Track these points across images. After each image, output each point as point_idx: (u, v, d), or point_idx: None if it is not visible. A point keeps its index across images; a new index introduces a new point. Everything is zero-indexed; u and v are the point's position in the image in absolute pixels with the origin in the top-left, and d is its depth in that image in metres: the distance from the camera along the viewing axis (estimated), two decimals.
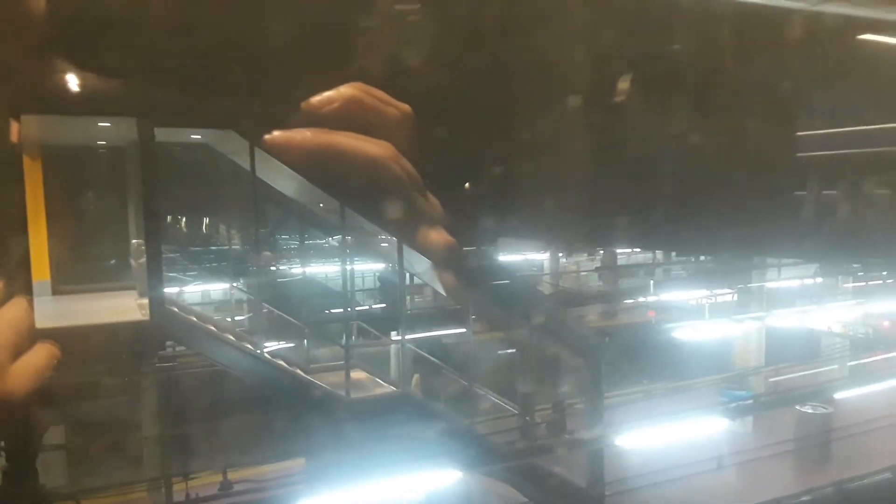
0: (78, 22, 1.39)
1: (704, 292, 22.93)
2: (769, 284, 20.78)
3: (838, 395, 18.24)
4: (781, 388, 19.45)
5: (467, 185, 2.94)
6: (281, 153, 1.53)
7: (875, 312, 22.01)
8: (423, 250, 1.82)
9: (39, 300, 1.66)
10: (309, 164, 1.55)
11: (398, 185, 1.51)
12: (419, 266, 2.30)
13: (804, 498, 14.97)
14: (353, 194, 1.68)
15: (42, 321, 1.61)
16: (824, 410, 17.33)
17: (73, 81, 1.48)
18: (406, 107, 1.55)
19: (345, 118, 1.49)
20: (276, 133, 1.52)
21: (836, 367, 22.10)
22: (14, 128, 1.40)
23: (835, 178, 5.55)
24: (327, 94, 1.47)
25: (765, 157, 4.74)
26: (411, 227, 1.66)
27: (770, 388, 19.67)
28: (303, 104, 1.48)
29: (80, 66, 1.47)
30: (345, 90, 1.49)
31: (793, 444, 16.90)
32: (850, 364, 22.12)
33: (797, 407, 17.43)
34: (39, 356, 1.48)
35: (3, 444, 1.49)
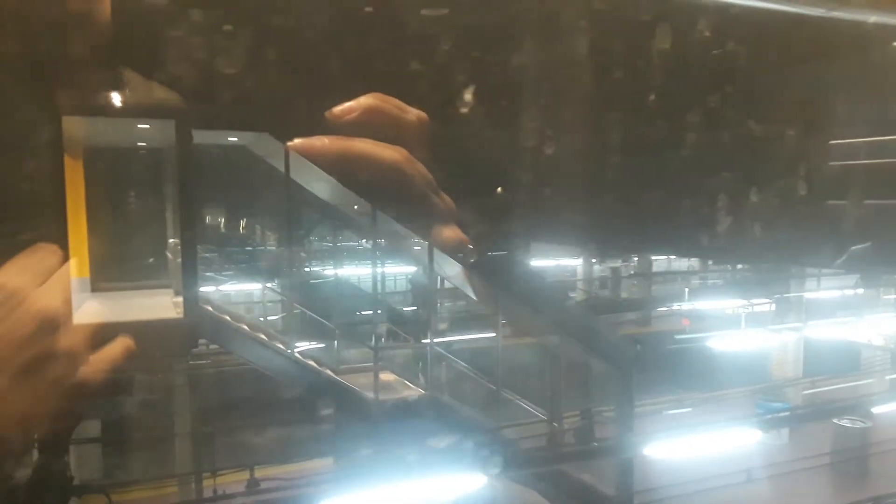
0: (124, 26, 1.43)
1: (741, 301, 22.53)
2: (808, 295, 20.36)
3: (876, 409, 17.79)
4: (818, 401, 19.03)
5: (500, 189, 2.94)
6: (305, 158, 1.62)
7: None
8: (438, 248, 1.91)
9: (78, 296, 1.70)
10: (329, 169, 1.63)
11: (411, 188, 1.60)
12: (450, 269, 2.30)
13: None
14: (374, 197, 1.73)
15: (80, 317, 1.65)
16: (862, 424, 16.90)
17: (114, 84, 1.51)
18: (422, 114, 1.63)
19: (364, 126, 1.58)
20: (298, 140, 1.61)
21: (875, 380, 21.54)
22: (57, 129, 1.44)
23: (876, 188, 5.43)
24: (348, 104, 1.56)
25: (804, 166, 4.66)
26: (425, 228, 1.76)
27: (806, 400, 19.25)
28: (326, 114, 1.56)
29: (122, 69, 1.51)
30: (364, 100, 1.58)
31: (829, 458, 16.51)
32: (889, 378, 21.55)
33: (834, 420, 17.03)
34: (117, 349, 1.54)
35: (36, 437, 1.53)
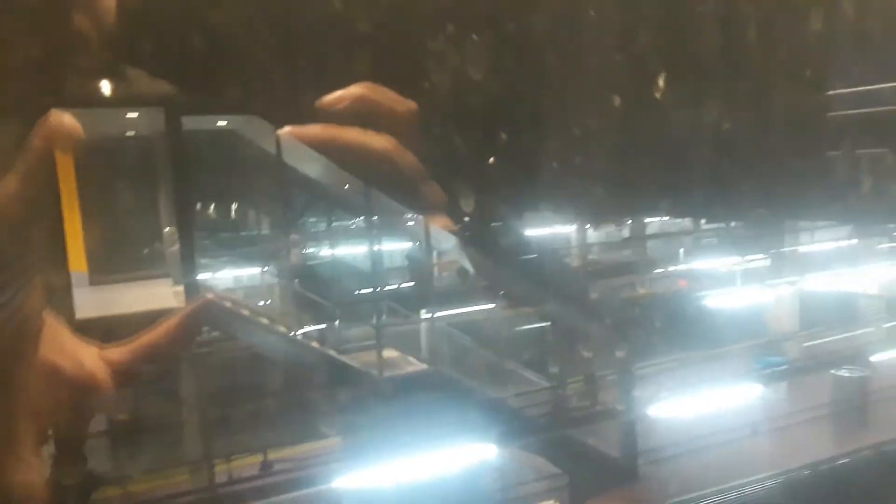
0: (106, 14, 1.41)
1: (736, 259, 22.63)
2: (802, 248, 20.45)
3: (874, 358, 17.99)
4: (816, 353, 19.21)
5: (492, 159, 2.93)
6: (298, 144, 1.65)
7: None
8: (400, 229, 1.97)
9: (77, 291, 1.69)
10: (324, 155, 1.67)
11: (401, 177, 1.65)
12: (446, 243, 2.31)
13: (842, 461, 14.86)
14: (365, 180, 1.76)
15: (81, 311, 1.65)
16: (861, 373, 17.09)
17: (100, 74, 1.50)
18: (412, 103, 1.66)
19: (354, 116, 1.61)
20: (288, 128, 1.63)
21: (872, 329, 21.74)
22: (45, 122, 1.43)
23: (869, 138, 5.42)
24: (338, 92, 1.58)
25: (794, 118, 4.64)
26: (417, 210, 1.83)
27: (805, 353, 19.43)
28: (316, 103, 1.58)
29: (108, 59, 1.49)
30: (354, 89, 1.61)
31: (829, 409, 16.73)
32: (886, 326, 21.75)
33: (833, 371, 17.21)
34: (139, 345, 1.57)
35: (51, 431, 1.54)
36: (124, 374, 1.51)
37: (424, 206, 1.73)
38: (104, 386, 1.47)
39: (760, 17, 4.17)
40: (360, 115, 1.58)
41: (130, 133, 1.92)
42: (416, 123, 1.62)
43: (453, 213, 1.80)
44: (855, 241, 21.62)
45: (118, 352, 1.54)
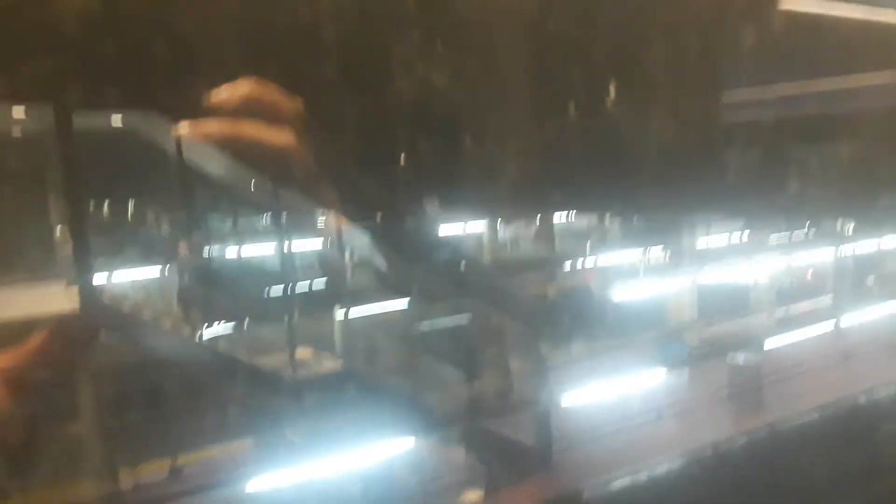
0: None
1: (638, 252, 23.55)
2: (699, 241, 21.49)
3: (767, 344, 19.16)
4: (714, 340, 20.26)
5: (402, 158, 2.95)
6: (194, 142, 1.62)
7: (799, 264, 23.08)
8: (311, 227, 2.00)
9: None
10: (221, 151, 1.65)
11: (296, 172, 1.66)
12: (357, 240, 2.30)
13: (740, 441, 15.77)
14: (266, 176, 1.76)
15: None
16: (754, 358, 18.17)
17: None
18: (299, 98, 1.69)
19: (243, 112, 1.60)
20: (184, 124, 1.60)
21: (764, 316, 23.13)
22: None
23: (758, 139, 5.78)
24: (224, 90, 1.57)
25: (692, 120, 4.91)
26: (303, 209, 1.86)
27: (704, 340, 20.46)
28: (204, 101, 1.56)
29: None
30: (241, 85, 1.60)
31: (727, 392, 17.69)
32: (776, 314, 23.18)
33: (729, 356, 18.21)
34: (28, 350, 1.48)
35: None
36: (16, 383, 1.43)
37: (317, 204, 1.74)
38: None
39: (667, 26, 4.38)
40: (249, 113, 1.58)
41: (18, 129, 1.82)
42: (302, 120, 1.63)
43: (354, 210, 1.82)
44: (747, 234, 22.91)
45: (5, 358, 1.45)
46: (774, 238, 24.18)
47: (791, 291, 23.47)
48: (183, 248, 2.57)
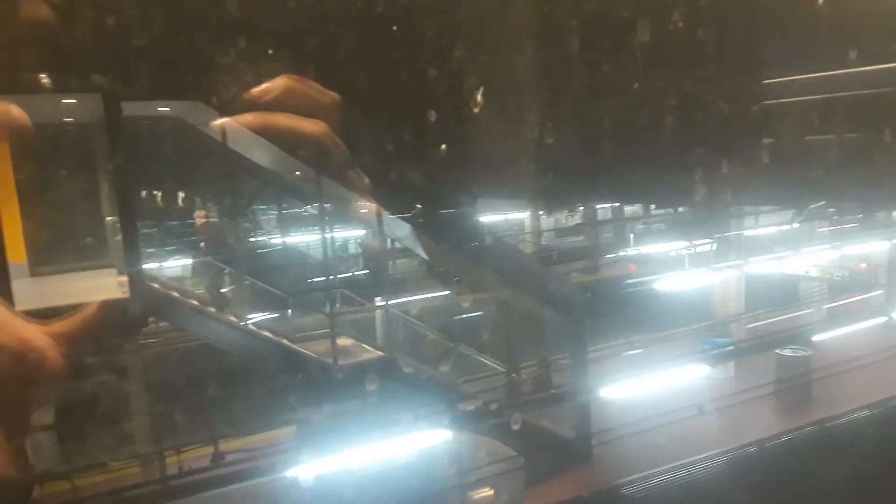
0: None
1: (684, 243, 23.14)
2: (747, 232, 21.00)
3: (816, 338, 18.65)
4: (761, 333, 19.81)
5: (443, 147, 2.94)
6: (236, 131, 1.68)
7: (851, 255, 22.40)
8: (353, 217, 2.05)
9: (17, 283, 1.64)
10: (261, 138, 1.73)
11: (330, 161, 1.73)
12: (400, 230, 2.31)
13: (785, 438, 15.41)
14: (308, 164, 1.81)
15: (21, 303, 1.60)
16: (803, 353, 17.71)
17: (34, 59, 1.45)
18: (335, 94, 1.75)
19: (281, 106, 1.68)
20: (220, 120, 1.68)
21: (813, 310, 22.53)
22: None
23: (805, 124, 5.60)
24: (264, 85, 1.65)
25: (734, 107, 4.77)
26: (345, 198, 1.96)
27: (750, 333, 20.03)
28: (244, 95, 1.63)
29: (42, 43, 1.44)
30: (280, 81, 1.69)
31: (773, 387, 17.30)
32: (826, 307, 22.56)
33: (776, 351, 17.78)
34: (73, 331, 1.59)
35: None
36: (71, 348, 1.52)
37: (352, 190, 1.81)
38: (52, 360, 1.47)
39: (695, 12, 4.27)
40: (287, 106, 1.65)
41: (69, 119, 1.86)
42: (337, 111, 1.70)
43: (394, 199, 1.88)
44: (796, 225, 22.33)
45: (63, 324, 1.54)
46: (826, 228, 23.52)
47: (842, 284, 22.79)
48: (229, 236, 2.61)
